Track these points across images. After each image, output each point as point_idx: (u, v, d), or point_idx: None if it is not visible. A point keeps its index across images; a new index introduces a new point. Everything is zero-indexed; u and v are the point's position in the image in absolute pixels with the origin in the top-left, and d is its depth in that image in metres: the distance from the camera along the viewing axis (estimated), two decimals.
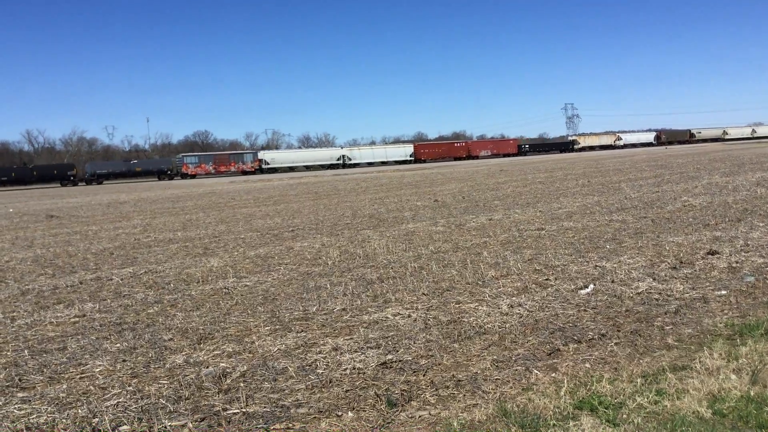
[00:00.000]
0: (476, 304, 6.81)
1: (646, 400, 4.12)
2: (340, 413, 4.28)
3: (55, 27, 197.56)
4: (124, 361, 5.59)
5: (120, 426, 4.24)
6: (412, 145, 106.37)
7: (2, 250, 13.97)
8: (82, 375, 5.30)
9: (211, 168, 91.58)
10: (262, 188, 38.85)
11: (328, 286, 8.10)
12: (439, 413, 4.20)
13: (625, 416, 3.93)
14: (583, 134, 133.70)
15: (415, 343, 5.63)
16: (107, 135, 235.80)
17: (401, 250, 10.68)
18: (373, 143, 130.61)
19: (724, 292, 6.77)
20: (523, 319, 6.16)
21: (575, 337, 5.54)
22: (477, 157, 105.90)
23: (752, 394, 4.14)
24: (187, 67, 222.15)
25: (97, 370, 5.39)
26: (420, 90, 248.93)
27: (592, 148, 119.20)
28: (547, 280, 7.74)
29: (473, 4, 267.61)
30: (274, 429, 4.10)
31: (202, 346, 5.89)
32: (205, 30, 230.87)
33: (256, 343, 5.85)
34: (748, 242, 9.34)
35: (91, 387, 5.00)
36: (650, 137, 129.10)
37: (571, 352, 5.22)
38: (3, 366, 5.61)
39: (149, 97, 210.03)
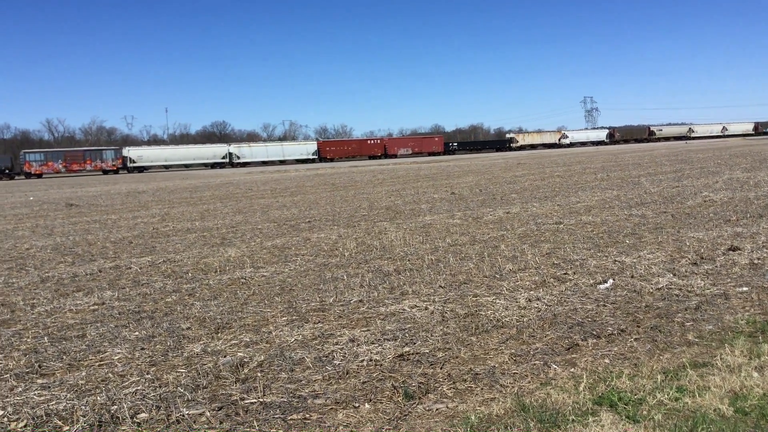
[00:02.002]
0: (494, 297, 6.78)
1: (666, 396, 4.08)
2: (356, 405, 4.28)
3: (76, 17, 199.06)
4: (142, 349, 5.62)
5: (138, 414, 4.27)
6: (315, 142, 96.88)
7: (23, 237, 14.12)
8: (101, 362, 5.34)
9: (60, 166, 78.58)
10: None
11: (345, 277, 8.10)
12: (457, 406, 4.18)
13: (645, 413, 3.89)
14: (522, 131, 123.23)
15: (432, 335, 5.61)
16: (126, 125, 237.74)
17: (418, 242, 10.65)
18: (268, 139, 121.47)
19: (745, 288, 6.68)
20: (541, 314, 6.12)
21: (594, 332, 5.50)
22: (395, 156, 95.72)
23: None
24: (206, 58, 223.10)
25: (116, 357, 5.43)
26: (438, 83, 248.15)
27: (533, 146, 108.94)
28: (565, 274, 7.68)
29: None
30: (291, 419, 4.11)
31: (219, 335, 5.91)
32: (225, 20, 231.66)
33: (273, 333, 5.86)
34: None
35: (110, 374, 5.03)
36: (602, 135, 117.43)
37: (590, 348, 5.17)
38: (23, 353, 5.66)
39: (169, 87, 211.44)
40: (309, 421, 4.07)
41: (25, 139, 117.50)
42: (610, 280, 7.19)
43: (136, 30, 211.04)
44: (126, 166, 79.98)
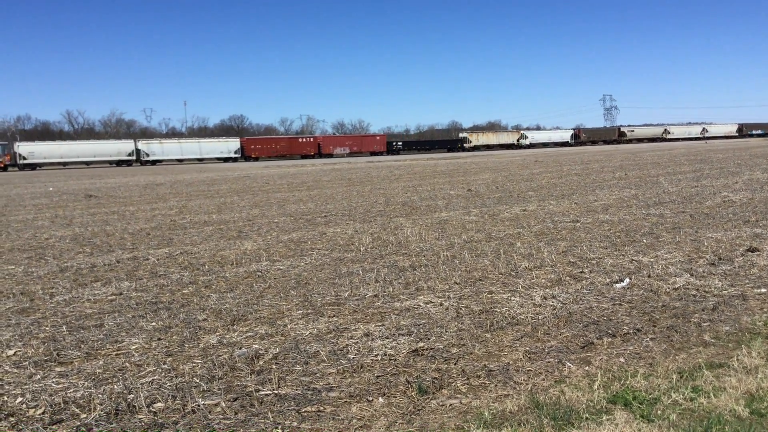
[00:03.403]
0: (509, 294, 6.77)
1: (681, 396, 4.06)
2: (370, 398, 4.30)
3: (96, 9, 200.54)
4: (159, 339, 5.68)
5: (155, 403, 4.32)
6: (237, 140, 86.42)
7: (42, 227, 14.28)
8: (118, 352, 5.40)
9: None
10: None
11: (360, 272, 8.12)
12: (470, 402, 4.19)
13: (659, 412, 3.87)
14: (478, 130, 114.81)
15: (446, 331, 5.61)
16: (145, 117, 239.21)
17: (434, 238, 10.65)
18: (182, 135, 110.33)
19: (764, 290, 6.62)
20: (556, 311, 6.10)
21: (610, 331, 5.48)
22: (331, 155, 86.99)
23: None
24: (225, 51, 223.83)
25: (133, 347, 5.49)
26: (456, 79, 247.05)
27: (488, 147, 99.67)
28: (581, 272, 7.65)
29: None
30: (305, 411, 4.13)
31: (235, 327, 5.96)
32: (244, 14, 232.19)
33: (289, 326, 5.90)
34: None
35: (127, 364, 5.09)
36: (566, 136, 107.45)
37: (605, 346, 5.15)
38: (42, 341, 5.74)
39: (188, 80, 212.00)
40: (323, 414, 4.10)
41: (46, 130, 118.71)
42: (627, 279, 7.15)
43: (156, 23, 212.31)
44: (17, 163, 71.43)
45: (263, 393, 4.43)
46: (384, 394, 4.36)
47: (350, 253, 9.59)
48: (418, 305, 6.46)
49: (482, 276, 7.65)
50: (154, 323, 6.17)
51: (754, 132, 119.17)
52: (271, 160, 79.44)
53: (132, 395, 4.44)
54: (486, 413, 3.98)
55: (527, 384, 4.45)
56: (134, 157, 76.67)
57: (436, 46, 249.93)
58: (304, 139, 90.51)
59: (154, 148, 78.97)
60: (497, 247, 9.58)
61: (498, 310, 6.20)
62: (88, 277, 8.52)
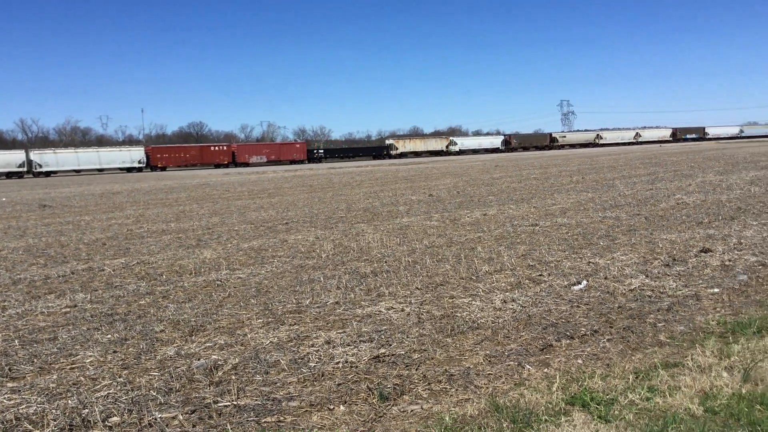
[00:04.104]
0: (470, 299, 6.81)
1: (637, 396, 4.12)
2: (331, 407, 4.27)
3: (50, 16, 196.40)
4: (114, 352, 5.56)
5: (110, 417, 4.22)
6: (142, 148, 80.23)
7: None
8: (73, 365, 5.27)
9: None
10: None
11: (322, 279, 8.08)
12: (431, 407, 4.19)
13: (616, 412, 3.93)
14: (404, 136, 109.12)
15: (408, 337, 5.62)
16: (101, 125, 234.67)
17: (395, 244, 10.66)
18: (91, 143, 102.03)
19: (716, 290, 6.78)
20: (516, 315, 6.16)
21: (568, 333, 5.54)
22: (247, 164, 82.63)
23: (744, 392, 4.14)
24: (183, 58, 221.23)
25: (88, 360, 5.36)
26: (416, 85, 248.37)
27: (416, 153, 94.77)
28: (540, 275, 7.74)
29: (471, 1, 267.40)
30: (265, 422, 4.09)
31: (193, 338, 5.86)
32: (201, 21, 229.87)
33: (249, 336, 5.83)
34: (742, 241, 9.36)
35: (82, 378, 4.97)
36: (497, 142, 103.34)
37: (564, 348, 5.22)
38: None
39: (146, 87, 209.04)
40: (283, 424, 4.06)
41: None
42: (584, 282, 7.26)
43: (112, 28, 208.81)
44: None
45: (222, 404, 4.36)
46: (345, 402, 4.34)
47: (311, 260, 9.54)
48: (380, 311, 6.45)
49: (443, 281, 7.69)
50: (109, 335, 6.04)
51: (688, 136, 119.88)
52: (180, 170, 75.55)
53: (87, 410, 4.33)
54: (447, 418, 3.99)
55: (487, 388, 4.47)
56: (26, 169, 70.51)
57: (398, 52, 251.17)
58: (217, 148, 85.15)
59: (48, 159, 72.47)
60: (458, 251, 9.63)
61: (459, 315, 6.22)
62: (41, 289, 8.30)
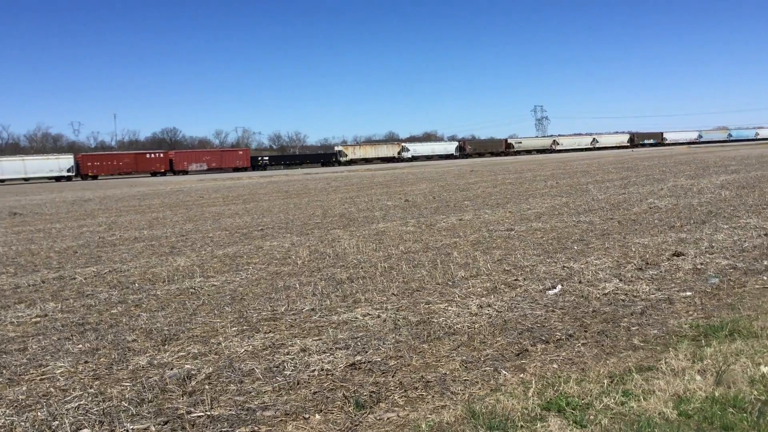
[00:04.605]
0: (446, 304, 6.80)
1: (612, 401, 4.14)
2: (307, 416, 4.23)
3: (18, 20, 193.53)
4: (86, 362, 5.46)
5: (81, 429, 4.14)
6: (71, 156, 76.80)
7: None
8: (43, 377, 5.16)
9: None
10: None
11: (297, 285, 8.03)
12: (408, 415, 4.17)
13: (592, 417, 3.94)
14: (353, 144, 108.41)
15: (384, 343, 5.59)
16: (73, 131, 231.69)
17: (371, 249, 10.64)
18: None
19: (689, 293, 6.86)
20: (492, 320, 6.17)
21: (543, 338, 5.56)
22: (185, 173, 79.72)
23: (717, 395, 4.18)
24: (156, 62, 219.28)
25: (58, 371, 5.26)
26: (394, 91, 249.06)
27: (366, 160, 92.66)
28: (516, 280, 7.77)
29: (450, 5, 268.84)
30: None
31: (166, 347, 5.78)
32: (175, 25, 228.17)
33: (223, 344, 5.76)
34: (713, 244, 9.49)
35: (52, 389, 4.87)
36: (451, 148, 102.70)
37: (539, 353, 5.23)
38: None
39: (118, 92, 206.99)
40: None
41: None
42: (559, 286, 7.30)
43: (84, 32, 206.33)
44: None
45: (195, 415, 4.30)
46: (321, 411, 4.30)
47: (287, 266, 9.47)
48: (356, 318, 6.42)
49: (420, 286, 7.68)
50: (80, 345, 5.93)
51: (646, 142, 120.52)
52: (113, 179, 73.28)
53: (57, 422, 4.24)
54: (423, 425, 3.97)
55: (464, 394, 4.46)
56: None
57: (375, 57, 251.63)
58: (153, 155, 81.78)
59: None
60: (434, 257, 9.64)
61: (435, 321, 6.22)
62: (11, 298, 8.14)
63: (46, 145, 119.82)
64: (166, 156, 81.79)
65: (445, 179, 33.50)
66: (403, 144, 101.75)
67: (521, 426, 3.87)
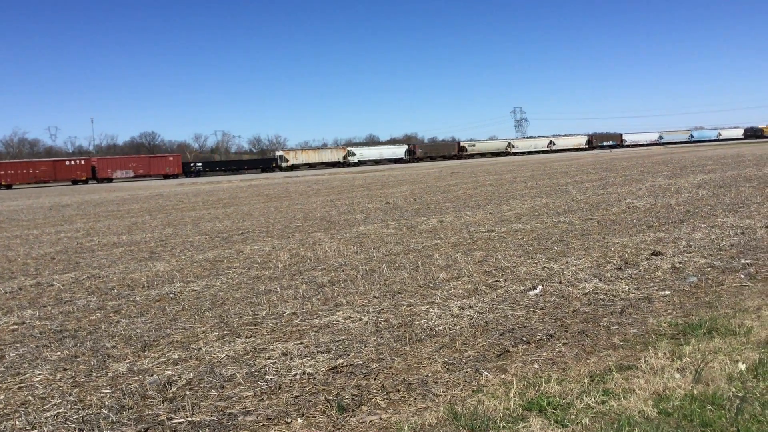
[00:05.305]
0: (427, 306, 6.81)
1: (593, 400, 4.17)
2: (289, 420, 4.21)
3: None
4: (64, 369, 5.39)
5: None
6: None
7: None
8: (21, 385, 5.09)
9: None
10: None
11: (279, 289, 8.00)
12: (390, 417, 4.17)
13: (573, 417, 3.97)
14: (296, 148, 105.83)
15: (366, 346, 5.59)
16: (50, 136, 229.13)
17: (352, 252, 10.63)
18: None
19: (667, 292, 6.93)
20: (473, 321, 6.19)
21: (524, 338, 5.59)
22: (110, 180, 76.00)
23: (696, 392, 4.23)
24: (134, 66, 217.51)
25: (37, 379, 5.19)
26: (375, 94, 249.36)
27: (310, 165, 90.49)
28: (497, 281, 7.80)
29: (431, 6, 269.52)
30: None
31: (146, 353, 5.73)
32: (152, 28, 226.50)
33: (203, 350, 5.72)
34: (691, 243, 9.60)
35: (30, 397, 4.80)
36: (400, 152, 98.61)
37: (521, 353, 5.25)
38: None
39: (95, 96, 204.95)
40: None
41: None
42: (539, 287, 7.34)
43: (60, 35, 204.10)
44: None
45: (176, 421, 4.26)
46: (303, 415, 4.28)
47: (268, 270, 9.44)
48: (338, 321, 6.41)
49: (401, 289, 7.68)
50: (59, 353, 5.86)
51: (605, 143, 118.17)
52: (29, 187, 69.01)
53: (35, 431, 4.19)
54: (406, 428, 3.97)
55: (446, 395, 4.47)
56: None
57: (354, 60, 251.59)
58: (73, 162, 76.30)
59: None
60: (415, 259, 9.65)
61: (417, 323, 6.22)
62: None
63: (22, 150, 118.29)
64: (87, 163, 77.07)
65: (426, 181, 33.55)
66: (348, 148, 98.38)
67: (503, 427, 3.89)
